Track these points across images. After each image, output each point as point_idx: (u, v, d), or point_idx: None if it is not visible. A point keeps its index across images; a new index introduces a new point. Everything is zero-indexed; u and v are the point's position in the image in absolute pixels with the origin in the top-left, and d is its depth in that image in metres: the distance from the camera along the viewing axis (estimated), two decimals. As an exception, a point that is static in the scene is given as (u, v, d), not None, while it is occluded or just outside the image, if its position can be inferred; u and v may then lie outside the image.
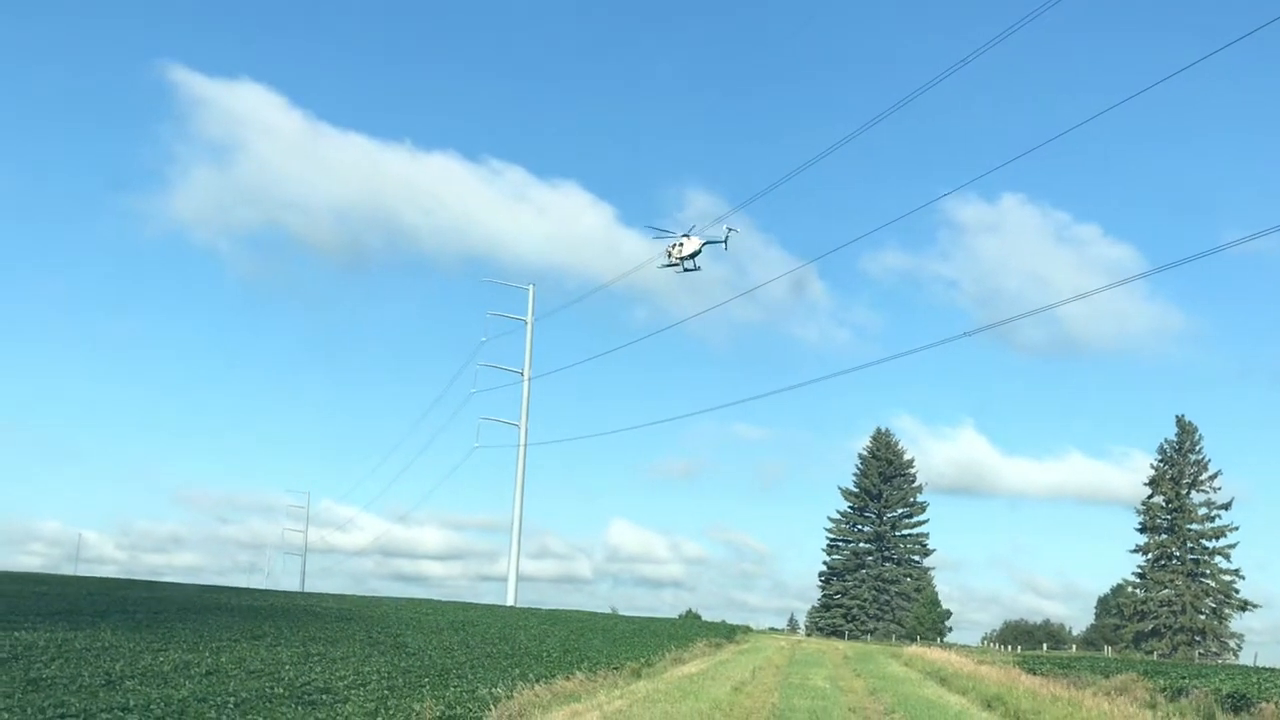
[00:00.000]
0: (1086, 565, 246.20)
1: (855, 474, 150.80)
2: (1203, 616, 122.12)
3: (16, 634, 30.89)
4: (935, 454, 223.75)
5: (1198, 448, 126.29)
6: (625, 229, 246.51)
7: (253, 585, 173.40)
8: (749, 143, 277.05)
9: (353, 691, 24.69)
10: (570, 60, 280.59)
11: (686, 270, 72.23)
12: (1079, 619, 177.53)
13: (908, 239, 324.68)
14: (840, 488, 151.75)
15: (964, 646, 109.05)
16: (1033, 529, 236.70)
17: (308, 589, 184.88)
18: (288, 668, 28.12)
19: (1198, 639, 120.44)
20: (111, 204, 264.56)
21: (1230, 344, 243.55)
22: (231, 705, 20.91)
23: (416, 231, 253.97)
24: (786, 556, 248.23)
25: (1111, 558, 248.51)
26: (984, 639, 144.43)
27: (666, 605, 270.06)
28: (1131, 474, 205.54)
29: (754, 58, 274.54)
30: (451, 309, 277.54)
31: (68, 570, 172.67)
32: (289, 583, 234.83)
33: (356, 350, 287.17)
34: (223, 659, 28.91)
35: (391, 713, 21.97)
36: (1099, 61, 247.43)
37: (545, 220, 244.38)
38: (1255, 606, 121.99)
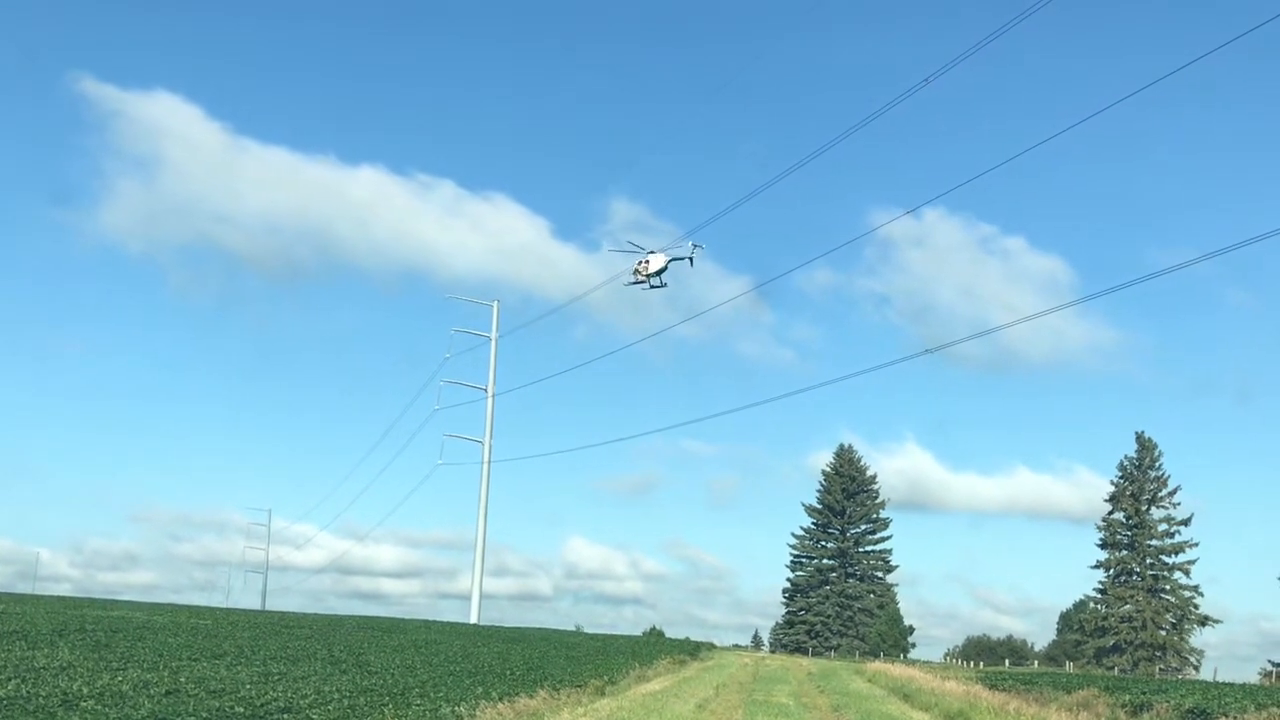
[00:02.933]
0: (1040, 580, 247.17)
1: (819, 490, 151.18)
2: (1163, 632, 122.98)
3: (-28, 654, 30.48)
4: (881, 469, 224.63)
5: (1157, 464, 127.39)
6: (562, 243, 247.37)
7: (212, 604, 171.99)
8: (675, 153, 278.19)
9: (314, 711, 24.49)
10: (493, 72, 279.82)
11: (653, 287, 72.24)
12: (1039, 635, 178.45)
13: (837, 255, 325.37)
14: (804, 504, 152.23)
15: (927, 662, 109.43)
16: (984, 544, 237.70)
17: (267, 608, 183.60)
18: (248, 687, 27.86)
19: (1158, 654, 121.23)
20: (46, 218, 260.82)
21: (1171, 359, 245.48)
22: (191, 725, 20.70)
23: (351, 246, 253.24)
24: (744, 573, 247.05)
25: (1064, 573, 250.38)
26: (947, 655, 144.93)
27: (627, 622, 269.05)
28: (1077, 489, 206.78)
29: (680, 70, 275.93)
30: (392, 323, 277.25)
31: (21, 589, 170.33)
32: (247, 601, 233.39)
33: (298, 365, 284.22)
34: (182, 678, 28.61)
35: (353, 732, 21.80)
36: (1032, 84, 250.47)
37: (480, 234, 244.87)
38: (1216, 622, 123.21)
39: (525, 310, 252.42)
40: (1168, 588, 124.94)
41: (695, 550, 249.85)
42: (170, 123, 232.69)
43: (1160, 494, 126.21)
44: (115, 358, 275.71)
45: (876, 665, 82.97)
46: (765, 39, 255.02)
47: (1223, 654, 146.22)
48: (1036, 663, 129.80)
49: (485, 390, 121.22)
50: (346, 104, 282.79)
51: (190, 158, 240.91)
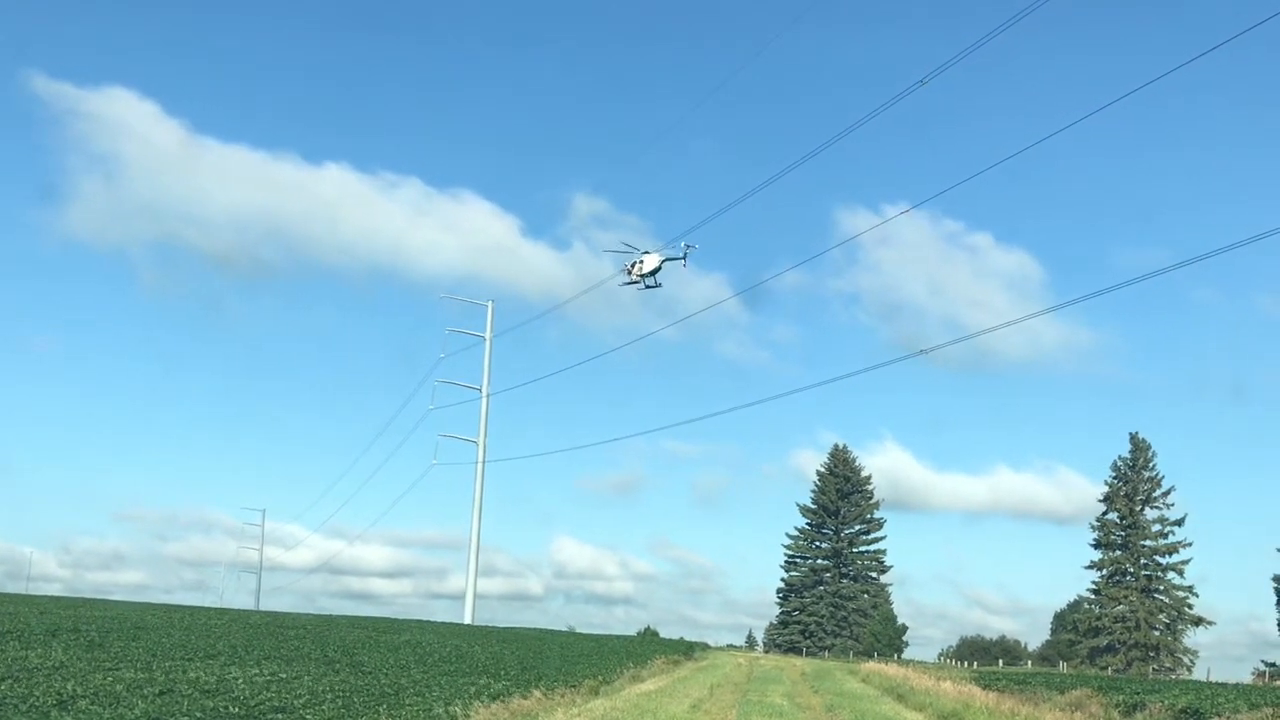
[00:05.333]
0: (1026, 580, 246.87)
1: (813, 490, 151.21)
2: (1156, 632, 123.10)
3: (-35, 654, 30.42)
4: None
5: (1151, 464, 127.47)
6: (532, 241, 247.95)
7: (206, 604, 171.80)
8: (633, 147, 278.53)
9: (308, 711, 24.48)
10: (451, 69, 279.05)
11: (648, 287, 72.29)
12: (1029, 634, 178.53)
13: (804, 254, 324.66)
14: (798, 504, 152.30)
15: (921, 663, 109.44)
16: (969, 545, 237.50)
17: (260, 608, 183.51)
18: (242, 686, 27.85)
19: (1152, 655, 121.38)
20: (16, 217, 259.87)
21: (1149, 359, 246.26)
22: (185, 725, 20.68)
23: (321, 245, 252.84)
24: (733, 572, 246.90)
25: (1051, 573, 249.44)
26: (940, 655, 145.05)
27: (619, 622, 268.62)
28: (1058, 488, 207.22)
29: (638, 66, 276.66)
30: (364, 322, 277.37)
31: (12, 589, 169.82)
32: (239, 601, 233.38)
33: (276, 364, 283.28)
34: (176, 678, 28.58)
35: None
36: (1007, 84, 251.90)
37: (450, 232, 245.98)
38: (1210, 623, 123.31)
39: (497, 307, 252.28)
40: (1161, 588, 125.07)
41: (683, 550, 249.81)
42: (128, 120, 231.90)
43: (1154, 494, 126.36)
44: (88, 357, 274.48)
45: (871, 665, 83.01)
46: (730, 38, 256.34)
47: (1214, 654, 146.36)
48: (1030, 663, 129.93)
49: (480, 390, 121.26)
50: (306, 102, 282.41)
51: (151, 155, 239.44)
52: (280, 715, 23.58)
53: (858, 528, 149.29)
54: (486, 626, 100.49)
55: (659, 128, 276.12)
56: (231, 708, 23.62)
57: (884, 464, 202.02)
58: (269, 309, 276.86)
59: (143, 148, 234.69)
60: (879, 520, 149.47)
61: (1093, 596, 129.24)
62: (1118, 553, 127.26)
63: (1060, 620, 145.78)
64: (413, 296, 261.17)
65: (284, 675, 32.43)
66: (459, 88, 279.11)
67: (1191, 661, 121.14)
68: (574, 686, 38.05)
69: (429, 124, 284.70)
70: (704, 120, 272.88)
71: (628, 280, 72.70)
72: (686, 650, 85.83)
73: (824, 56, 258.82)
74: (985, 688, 52.47)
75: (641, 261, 71.46)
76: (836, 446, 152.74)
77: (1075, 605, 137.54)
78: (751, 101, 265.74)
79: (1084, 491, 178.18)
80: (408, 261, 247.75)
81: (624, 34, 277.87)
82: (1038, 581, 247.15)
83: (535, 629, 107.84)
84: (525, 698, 32.05)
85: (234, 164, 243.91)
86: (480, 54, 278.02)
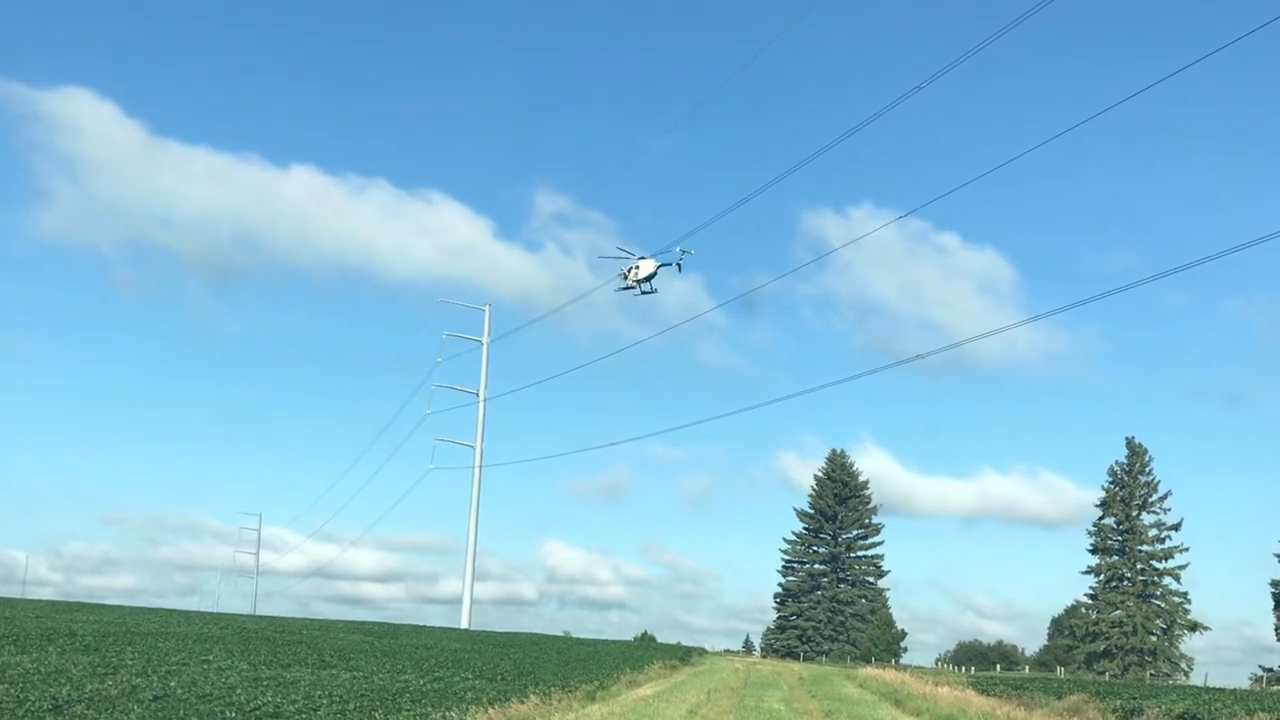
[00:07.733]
0: (1020, 584, 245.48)
1: (810, 495, 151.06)
2: (1154, 637, 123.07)
3: (-40, 658, 30.35)
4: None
5: (1148, 469, 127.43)
6: (506, 243, 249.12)
7: (201, 609, 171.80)
8: (594, 143, 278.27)
9: (304, 716, 24.43)
10: (419, 70, 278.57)
11: (643, 293, 72.37)
12: (1024, 639, 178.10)
13: (782, 262, 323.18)
14: (795, 508, 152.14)
15: (918, 668, 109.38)
16: (958, 549, 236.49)
17: (256, 612, 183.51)
18: (238, 691, 27.79)
19: (1149, 660, 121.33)
20: None
21: (1128, 362, 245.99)
22: (181, 730, 20.62)
23: (292, 248, 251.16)
24: (725, 577, 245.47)
25: (1042, 577, 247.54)
26: (938, 660, 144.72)
27: (614, 627, 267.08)
28: (1044, 492, 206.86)
29: (604, 63, 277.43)
30: (338, 325, 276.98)
31: (4, 593, 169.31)
32: (234, 606, 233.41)
33: (255, 368, 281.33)
34: (172, 683, 28.52)
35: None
36: (984, 89, 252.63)
37: (422, 235, 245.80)
38: (1205, 629, 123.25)
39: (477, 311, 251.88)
40: (1158, 593, 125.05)
41: (674, 554, 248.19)
42: (88, 121, 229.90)
43: (1151, 499, 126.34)
44: (70, 359, 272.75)
45: (868, 670, 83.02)
46: (697, 40, 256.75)
47: (1209, 660, 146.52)
48: (1027, 668, 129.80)
49: (476, 395, 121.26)
50: (268, 104, 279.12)
51: (115, 157, 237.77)
52: (276, 720, 23.55)
53: (855, 532, 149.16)
54: (483, 632, 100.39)
55: (626, 127, 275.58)
56: (228, 712, 23.58)
57: (867, 467, 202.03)
58: (246, 310, 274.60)
59: (106, 149, 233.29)
60: (877, 525, 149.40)
61: (1090, 601, 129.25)
62: (1115, 558, 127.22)
63: (1057, 625, 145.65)
64: (387, 299, 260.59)
65: (280, 680, 32.38)
66: (424, 89, 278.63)
67: (1189, 667, 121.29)
68: (570, 691, 38.01)
69: (395, 125, 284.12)
70: (670, 120, 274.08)
71: (624, 286, 72.80)
72: (683, 655, 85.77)
73: (791, 59, 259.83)
74: (982, 693, 52.46)
75: (637, 267, 71.56)
76: (834, 451, 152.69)
77: (1073, 610, 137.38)
78: (717, 103, 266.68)
79: (1069, 495, 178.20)
80: (380, 264, 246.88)
81: (591, 33, 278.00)
82: (1031, 586, 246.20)
83: (531, 634, 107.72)
84: (523, 702, 32.01)
85: (200, 166, 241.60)
86: (446, 55, 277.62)
